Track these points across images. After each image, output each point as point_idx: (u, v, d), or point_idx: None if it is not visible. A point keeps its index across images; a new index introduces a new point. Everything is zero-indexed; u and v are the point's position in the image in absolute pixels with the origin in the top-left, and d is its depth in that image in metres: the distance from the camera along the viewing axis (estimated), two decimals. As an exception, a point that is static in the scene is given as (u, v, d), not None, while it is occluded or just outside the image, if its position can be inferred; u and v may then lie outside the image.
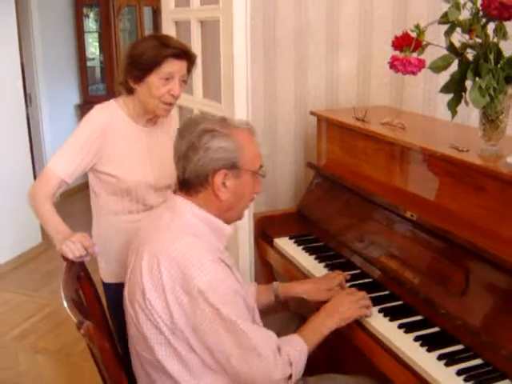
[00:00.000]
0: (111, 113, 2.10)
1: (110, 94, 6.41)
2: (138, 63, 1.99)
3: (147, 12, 7.05)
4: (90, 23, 6.79)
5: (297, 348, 1.68)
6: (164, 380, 1.66)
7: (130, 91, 2.08)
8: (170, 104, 2.08)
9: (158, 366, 1.65)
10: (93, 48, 6.90)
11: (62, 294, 1.67)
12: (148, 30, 7.08)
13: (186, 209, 1.68)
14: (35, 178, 4.99)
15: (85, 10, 6.53)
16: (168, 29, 2.95)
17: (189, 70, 2.09)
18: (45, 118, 6.00)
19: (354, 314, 1.84)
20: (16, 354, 3.43)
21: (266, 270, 2.67)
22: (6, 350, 3.45)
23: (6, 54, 4.57)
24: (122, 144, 2.09)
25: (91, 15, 6.74)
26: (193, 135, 1.65)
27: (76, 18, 6.44)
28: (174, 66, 2.01)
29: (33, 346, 3.53)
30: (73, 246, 1.85)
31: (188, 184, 1.68)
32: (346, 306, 1.84)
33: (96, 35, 6.89)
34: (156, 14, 7.10)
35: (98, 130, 2.05)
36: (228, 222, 1.75)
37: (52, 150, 6.06)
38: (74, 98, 6.61)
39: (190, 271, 1.53)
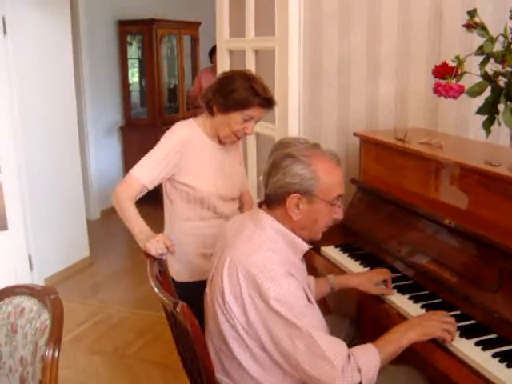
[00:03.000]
0: (191, 130, 2.39)
1: (151, 118, 6.78)
2: (227, 97, 2.27)
3: (186, 40, 7.43)
4: (132, 50, 7.14)
5: (368, 356, 1.72)
6: (235, 368, 1.85)
7: (211, 112, 2.37)
8: (239, 138, 2.39)
9: (232, 356, 1.83)
10: (132, 74, 7.23)
11: (152, 283, 1.95)
12: (187, 58, 7.46)
13: (268, 223, 1.85)
14: (85, 194, 5.34)
15: (128, 38, 6.89)
16: (222, 57, 3.26)
17: (265, 113, 2.37)
18: (90, 139, 6.37)
19: (436, 332, 1.84)
20: (74, 354, 3.70)
21: (312, 272, 2.92)
22: (64, 351, 3.63)
23: (63, 82, 4.98)
24: (199, 158, 2.38)
25: (134, 43, 7.09)
26: (278, 156, 1.82)
27: (120, 46, 6.80)
28: (256, 112, 2.30)
29: (88, 347, 3.79)
30: (156, 244, 2.13)
31: (269, 199, 1.87)
32: (431, 322, 1.86)
33: (136, 62, 7.24)
34: (194, 42, 7.48)
35: (178, 144, 2.33)
36: (302, 239, 1.90)
37: (96, 168, 6.42)
38: (118, 120, 6.97)
39: (264, 283, 1.70)
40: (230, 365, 1.87)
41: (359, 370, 1.68)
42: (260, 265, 1.73)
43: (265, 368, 1.81)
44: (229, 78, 2.37)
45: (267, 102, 2.30)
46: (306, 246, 1.92)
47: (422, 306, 2.15)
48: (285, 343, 1.70)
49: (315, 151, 1.85)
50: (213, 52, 5.89)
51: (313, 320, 1.74)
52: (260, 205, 1.95)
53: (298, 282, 1.76)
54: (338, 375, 1.65)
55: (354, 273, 2.44)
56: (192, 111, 6.35)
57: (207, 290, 1.97)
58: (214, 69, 5.87)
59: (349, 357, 1.70)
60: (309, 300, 1.82)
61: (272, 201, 1.86)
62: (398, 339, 1.79)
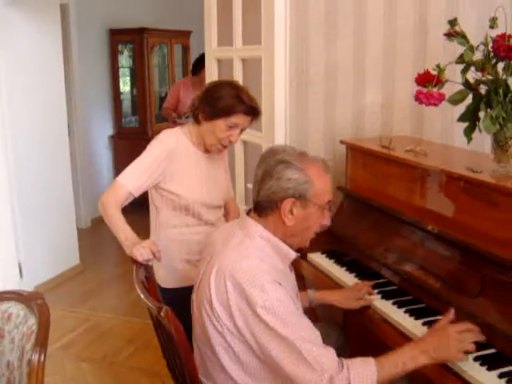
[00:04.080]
0: (177, 138, 2.42)
1: (142, 126, 6.80)
2: (213, 105, 2.31)
3: (177, 49, 7.48)
4: (123, 59, 7.17)
5: (363, 370, 1.67)
6: (221, 375, 1.85)
7: (197, 121, 2.40)
8: (225, 147, 2.41)
9: (218, 363, 1.83)
10: (123, 83, 7.25)
11: (138, 289, 1.97)
12: (177, 66, 7.50)
13: (256, 231, 1.86)
14: (75, 203, 5.36)
15: (120, 47, 6.92)
16: (210, 65, 3.29)
17: (251, 122, 2.40)
18: (81, 147, 6.37)
19: (454, 357, 1.76)
20: (62, 361, 3.71)
21: (299, 280, 2.93)
22: (53, 358, 3.69)
23: (53, 91, 5.01)
24: (185, 166, 2.41)
25: (125, 52, 7.12)
26: (269, 164, 1.84)
27: (111, 55, 6.84)
28: (241, 120, 2.33)
29: (77, 355, 3.80)
30: (142, 250, 2.15)
31: (260, 206, 1.88)
32: (454, 343, 1.75)
33: (127, 70, 7.26)
34: (185, 50, 7.52)
35: (165, 152, 2.36)
36: (291, 246, 1.91)
37: (87, 176, 6.44)
38: (108, 129, 7.00)
39: (251, 291, 1.70)
40: (215, 371, 1.88)
41: (349, 383, 1.64)
42: (247, 272, 1.73)
43: (251, 375, 1.81)
44: (216, 87, 2.41)
45: (252, 110, 2.33)
46: (293, 254, 1.93)
47: (406, 311, 2.18)
48: (272, 352, 1.70)
49: (305, 158, 1.89)
50: (197, 64, 5.61)
51: (300, 329, 1.72)
52: (248, 213, 1.96)
53: (285, 290, 1.77)
54: None
55: (335, 290, 2.42)
56: (169, 124, 5.87)
57: (193, 296, 1.98)
58: (196, 81, 5.64)
59: (342, 366, 1.67)
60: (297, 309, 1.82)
61: (264, 207, 1.86)
62: (405, 362, 1.71)
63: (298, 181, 1.80)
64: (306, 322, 1.79)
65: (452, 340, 1.75)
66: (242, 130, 2.40)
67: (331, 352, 1.70)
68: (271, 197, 1.82)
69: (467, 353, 1.78)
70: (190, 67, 7.46)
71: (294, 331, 1.69)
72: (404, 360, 1.71)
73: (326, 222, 1.95)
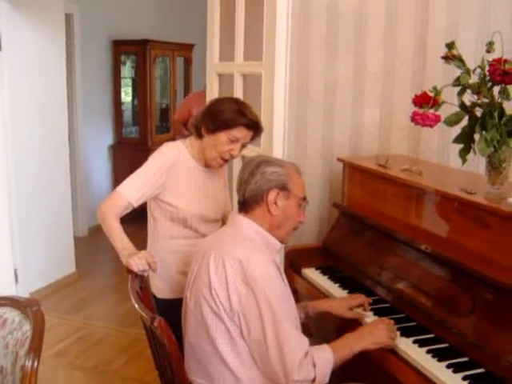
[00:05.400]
0: (178, 151, 2.45)
1: (142, 137, 6.82)
2: (215, 118, 2.35)
3: (179, 62, 7.52)
4: (126, 70, 7.22)
5: (323, 355, 1.90)
6: (216, 366, 1.93)
7: (199, 136, 2.44)
8: (226, 161, 2.45)
9: (214, 352, 1.92)
10: (125, 93, 7.28)
11: (132, 298, 1.99)
12: (179, 79, 7.55)
13: (245, 224, 2.04)
14: (73, 211, 5.38)
15: (123, 58, 6.97)
16: (211, 80, 3.32)
17: (252, 138, 2.44)
18: (81, 156, 6.38)
19: (386, 342, 2.06)
20: (55, 369, 3.69)
21: (293, 294, 2.96)
22: (46, 365, 3.65)
23: (55, 99, 5.04)
24: (184, 179, 2.44)
25: (128, 63, 7.17)
26: (253, 165, 2.07)
27: (114, 66, 6.87)
28: (242, 133, 2.37)
29: (70, 363, 3.79)
30: (138, 261, 2.17)
31: (247, 203, 2.06)
32: (382, 332, 2.06)
33: (130, 81, 7.31)
34: (187, 63, 7.57)
35: (166, 164, 2.39)
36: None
37: (86, 185, 6.46)
38: (108, 139, 7.01)
39: (250, 266, 1.87)
40: (211, 363, 1.95)
41: (314, 365, 1.84)
42: (246, 252, 1.92)
43: (243, 363, 1.91)
44: (218, 101, 2.48)
45: (253, 124, 2.37)
46: (279, 245, 2.12)
47: (397, 329, 2.19)
48: (255, 324, 1.85)
49: (280, 159, 2.24)
50: None
51: (287, 309, 1.91)
52: None
53: (279, 273, 1.96)
54: (295, 368, 1.80)
55: (328, 298, 2.52)
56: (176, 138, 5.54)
57: (186, 300, 2.06)
58: None
59: (306, 353, 1.85)
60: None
61: (250, 203, 2.05)
62: (352, 346, 1.99)
63: (279, 173, 2.04)
64: (292, 305, 2.03)
65: (382, 330, 2.07)
66: (243, 146, 2.43)
67: (305, 338, 1.90)
68: (257, 190, 2.03)
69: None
70: (192, 79, 7.56)
71: (282, 308, 1.86)
72: (351, 344, 2.00)
73: (302, 219, 2.14)
